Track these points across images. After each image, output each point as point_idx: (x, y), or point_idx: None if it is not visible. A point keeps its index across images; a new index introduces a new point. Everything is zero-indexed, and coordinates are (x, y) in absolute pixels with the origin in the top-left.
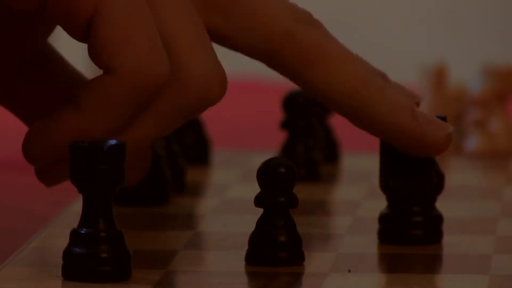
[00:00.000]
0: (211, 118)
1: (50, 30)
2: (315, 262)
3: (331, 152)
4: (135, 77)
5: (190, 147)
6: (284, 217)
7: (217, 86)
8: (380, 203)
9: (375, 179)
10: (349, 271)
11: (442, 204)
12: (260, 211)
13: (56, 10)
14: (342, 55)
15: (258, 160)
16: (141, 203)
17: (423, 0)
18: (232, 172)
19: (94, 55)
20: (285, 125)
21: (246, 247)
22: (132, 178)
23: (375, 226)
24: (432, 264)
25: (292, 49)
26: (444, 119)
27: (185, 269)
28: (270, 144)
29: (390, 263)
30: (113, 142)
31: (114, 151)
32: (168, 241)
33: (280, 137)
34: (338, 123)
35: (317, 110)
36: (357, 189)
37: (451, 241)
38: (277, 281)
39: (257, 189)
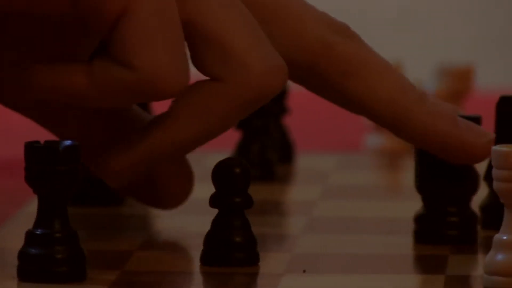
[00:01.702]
0: None
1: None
2: (271, 262)
3: (286, 152)
4: (151, 80)
5: None
6: (239, 217)
7: (277, 75)
8: (335, 203)
9: (330, 179)
10: (304, 271)
11: (397, 204)
12: (215, 211)
13: (86, 9)
14: (380, 66)
15: (212, 160)
16: (96, 203)
17: None
18: None
19: (116, 50)
20: (239, 125)
21: (201, 248)
22: (172, 200)
23: (330, 226)
24: (388, 264)
25: (330, 61)
26: (478, 119)
27: (140, 270)
28: (225, 144)
29: (345, 264)
30: (68, 143)
31: (70, 151)
32: (124, 242)
33: (234, 137)
34: (293, 123)
35: (272, 110)
36: (312, 189)
37: (406, 242)
38: (233, 282)
39: (212, 189)
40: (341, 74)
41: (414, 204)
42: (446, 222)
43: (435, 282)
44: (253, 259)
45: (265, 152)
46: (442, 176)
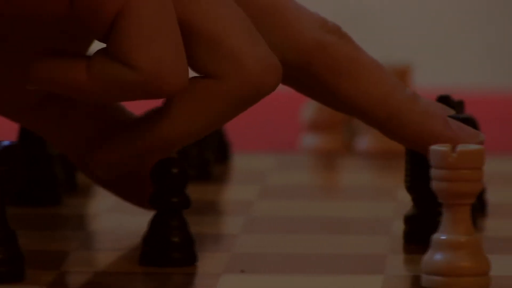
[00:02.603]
0: None
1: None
2: (209, 262)
3: (222, 152)
4: (152, 79)
5: None
6: (177, 217)
7: (273, 74)
8: (272, 203)
9: (267, 179)
10: (243, 271)
11: (335, 204)
12: (153, 211)
13: (83, 10)
14: (372, 66)
15: None
16: (33, 203)
17: None
18: None
19: (115, 49)
20: None
21: (139, 248)
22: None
23: (268, 225)
24: (326, 264)
25: (323, 61)
26: (468, 120)
27: (78, 270)
28: None
29: (284, 263)
30: (6, 143)
31: (8, 152)
32: (61, 242)
33: None
34: (229, 123)
35: None
36: (249, 189)
37: (344, 241)
38: (171, 282)
39: None
40: (334, 74)
41: (350, 204)
42: (437, 222)
43: (372, 282)
44: (191, 259)
45: (202, 152)
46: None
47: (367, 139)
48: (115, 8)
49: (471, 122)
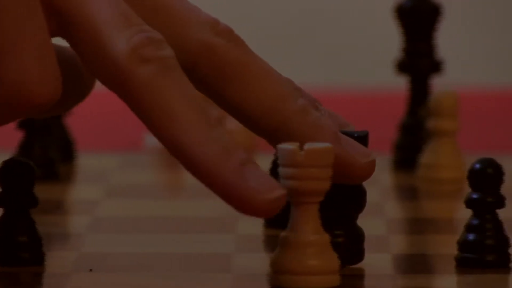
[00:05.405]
0: None
1: None
2: (56, 261)
3: (67, 151)
4: (17, 90)
5: None
6: (24, 217)
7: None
8: (117, 202)
9: (112, 179)
10: (90, 270)
11: (180, 203)
12: (0, 211)
13: None
14: (263, 73)
15: None
16: None
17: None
18: None
19: None
20: (21, 124)
21: None
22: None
23: (114, 225)
24: (174, 262)
25: (211, 64)
26: (364, 137)
27: None
28: (7, 144)
29: (131, 262)
30: None
31: None
32: None
33: (17, 136)
34: (74, 122)
35: None
36: (94, 188)
37: (190, 240)
38: (19, 281)
39: None
40: (222, 78)
41: (195, 203)
42: (332, 243)
43: (221, 280)
44: (38, 259)
45: (47, 152)
46: (329, 194)
47: None
48: None
49: (363, 140)
